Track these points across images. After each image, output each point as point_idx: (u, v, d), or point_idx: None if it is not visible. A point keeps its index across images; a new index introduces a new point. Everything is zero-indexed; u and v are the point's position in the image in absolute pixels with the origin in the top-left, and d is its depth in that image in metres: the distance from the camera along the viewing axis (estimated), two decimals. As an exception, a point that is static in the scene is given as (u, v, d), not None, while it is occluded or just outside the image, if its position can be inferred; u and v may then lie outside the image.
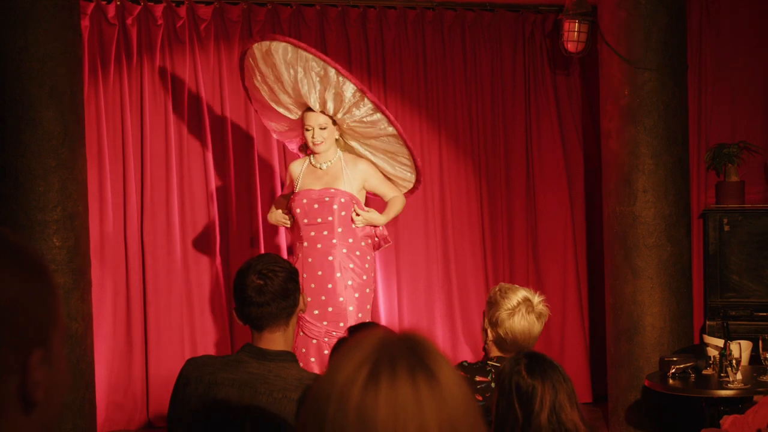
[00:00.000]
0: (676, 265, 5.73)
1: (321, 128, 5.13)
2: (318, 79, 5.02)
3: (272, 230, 6.39)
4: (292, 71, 5.05)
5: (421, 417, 1.06)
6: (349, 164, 5.21)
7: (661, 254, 5.69)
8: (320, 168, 5.23)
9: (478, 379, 3.13)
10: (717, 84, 6.76)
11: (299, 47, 5.03)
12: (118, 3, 6.09)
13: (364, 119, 5.14)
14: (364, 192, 5.32)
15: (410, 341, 1.12)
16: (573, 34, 6.51)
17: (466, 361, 3.27)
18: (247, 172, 6.35)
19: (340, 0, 6.47)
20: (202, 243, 6.30)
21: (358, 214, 5.15)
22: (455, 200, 6.76)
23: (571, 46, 6.56)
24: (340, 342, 2.63)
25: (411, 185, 5.55)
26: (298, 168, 5.33)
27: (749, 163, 6.65)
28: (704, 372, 5.14)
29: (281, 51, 5.04)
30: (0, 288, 1.06)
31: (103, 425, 5.95)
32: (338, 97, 5.05)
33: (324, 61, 5.00)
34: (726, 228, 6.38)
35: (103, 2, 6.07)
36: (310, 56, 5.00)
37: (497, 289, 3.31)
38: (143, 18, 6.14)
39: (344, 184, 5.16)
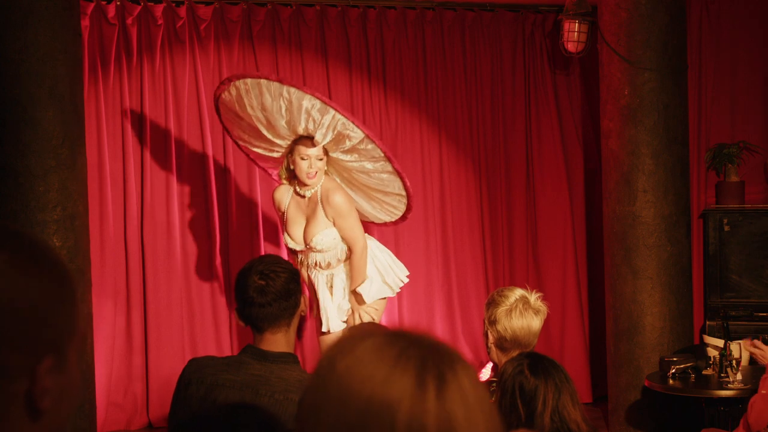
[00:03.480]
0: (676, 265, 5.73)
1: (318, 159, 4.99)
2: (319, 115, 4.90)
3: (272, 230, 6.39)
4: (284, 103, 4.91)
5: (481, 403, 1.09)
6: (324, 198, 5.05)
7: (661, 254, 5.69)
8: (303, 196, 5.09)
9: None
10: (717, 84, 6.77)
11: (302, 90, 4.88)
12: (118, 3, 6.09)
13: (358, 148, 5.03)
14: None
15: (437, 341, 1.13)
16: (573, 34, 6.51)
17: None
18: (247, 171, 6.35)
19: (340, 0, 6.47)
20: (202, 243, 6.30)
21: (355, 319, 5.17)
22: (455, 200, 6.76)
23: (571, 46, 6.56)
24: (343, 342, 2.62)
25: (383, 221, 5.54)
26: (284, 196, 5.18)
27: (749, 163, 6.66)
28: (704, 372, 5.15)
29: (278, 89, 4.89)
30: (19, 291, 1.05)
31: (103, 425, 5.95)
32: (340, 135, 4.94)
33: (325, 102, 4.87)
34: (726, 228, 6.38)
35: (103, 2, 6.07)
36: (309, 96, 4.86)
37: (495, 291, 3.35)
38: (143, 18, 6.14)
39: (323, 219, 5.05)
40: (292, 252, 5.33)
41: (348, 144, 4.98)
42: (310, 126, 4.94)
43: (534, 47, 6.87)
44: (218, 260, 6.31)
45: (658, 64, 5.64)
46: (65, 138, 4.89)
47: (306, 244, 5.09)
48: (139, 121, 6.19)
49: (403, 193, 5.28)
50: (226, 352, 6.19)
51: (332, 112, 4.87)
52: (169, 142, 6.21)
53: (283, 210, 5.19)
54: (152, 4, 6.17)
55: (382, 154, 5.04)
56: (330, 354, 1.13)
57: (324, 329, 5.19)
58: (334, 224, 5.06)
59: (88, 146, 5.40)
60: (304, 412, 1.12)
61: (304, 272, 5.27)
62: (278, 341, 2.62)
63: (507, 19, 6.83)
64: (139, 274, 6.18)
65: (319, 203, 5.04)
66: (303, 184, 5.06)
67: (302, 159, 4.99)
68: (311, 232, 5.05)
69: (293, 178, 5.12)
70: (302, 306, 2.68)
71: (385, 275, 5.27)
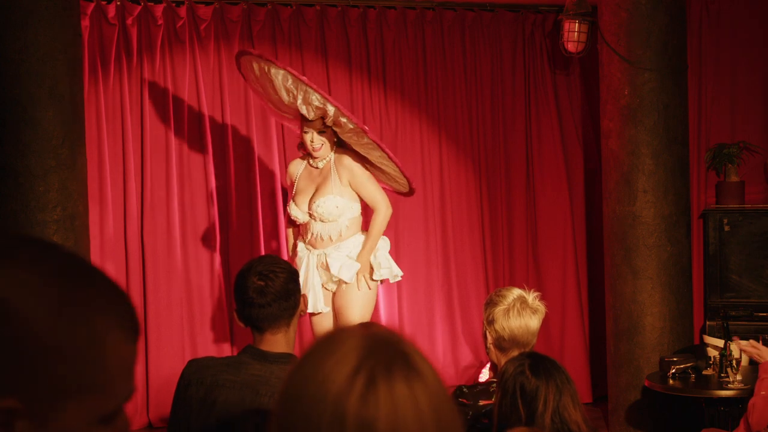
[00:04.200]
0: (676, 265, 5.73)
1: (319, 132, 5.14)
2: (294, 89, 5.06)
3: (272, 230, 6.39)
4: (270, 77, 5.11)
5: (419, 417, 1.06)
6: (337, 162, 5.20)
7: (661, 254, 5.69)
8: (316, 167, 5.25)
9: (482, 403, 3.12)
10: (717, 84, 6.76)
11: (276, 65, 5.06)
12: (118, 3, 6.08)
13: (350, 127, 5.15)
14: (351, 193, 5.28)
15: (394, 342, 1.11)
16: (573, 34, 6.51)
17: (465, 386, 3.23)
18: (247, 171, 6.35)
19: (340, 0, 6.47)
20: (202, 243, 6.30)
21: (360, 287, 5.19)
22: (455, 200, 6.76)
23: (571, 46, 6.56)
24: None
25: (402, 192, 5.64)
26: (297, 167, 5.36)
27: (749, 163, 6.65)
28: (704, 372, 5.15)
29: (264, 64, 5.10)
30: (18, 321, 0.93)
31: (103, 425, 5.95)
32: (319, 110, 5.08)
33: (318, 92, 5.01)
34: (726, 228, 6.38)
35: (103, 2, 6.07)
36: (294, 79, 5.03)
37: (493, 292, 3.36)
38: (143, 18, 6.14)
39: (333, 186, 5.16)
40: (292, 224, 5.40)
41: (329, 118, 5.08)
42: (290, 99, 5.10)
43: (534, 47, 6.87)
44: (218, 260, 6.31)
45: (658, 64, 5.63)
46: (65, 138, 4.89)
47: (309, 210, 5.17)
48: (139, 121, 6.18)
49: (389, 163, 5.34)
50: (226, 352, 6.19)
51: (304, 86, 4.99)
52: (169, 142, 6.21)
53: (293, 180, 5.34)
54: (152, 4, 6.16)
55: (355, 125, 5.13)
56: (303, 350, 1.15)
57: (310, 310, 5.18)
58: (352, 187, 5.18)
59: (88, 146, 5.40)
60: (275, 404, 1.14)
61: (291, 239, 5.41)
62: (278, 342, 2.62)
63: (507, 19, 6.83)
64: (139, 274, 6.18)
65: (332, 169, 5.17)
66: (314, 157, 5.23)
67: (305, 133, 5.17)
68: (316, 198, 5.16)
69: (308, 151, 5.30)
70: (302, 306, 2.68)
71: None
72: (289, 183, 5.45)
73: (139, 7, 6.13)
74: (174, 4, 6.20)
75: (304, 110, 5.07)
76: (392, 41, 6.60)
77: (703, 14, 6.74)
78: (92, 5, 6.01)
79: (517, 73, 6.85)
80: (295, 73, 5.05)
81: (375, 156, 5.27)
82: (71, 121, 4.94)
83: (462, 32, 6.74)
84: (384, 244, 5.36)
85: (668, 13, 5.66)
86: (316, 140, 5.13)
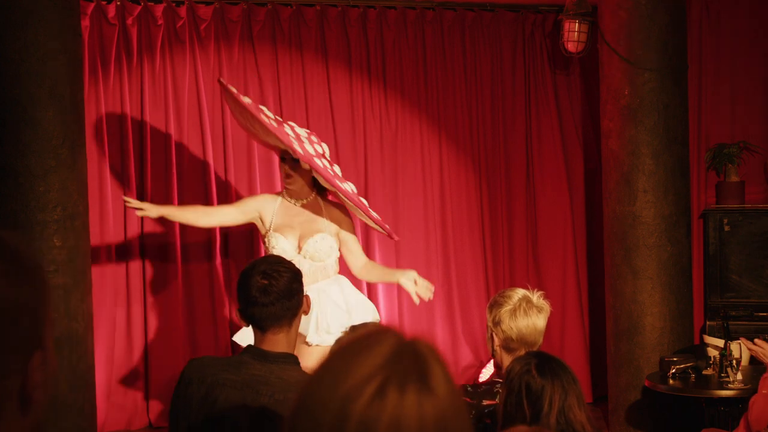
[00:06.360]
0: (676, 265, 5.73)
1: (294, 159, 4.72)
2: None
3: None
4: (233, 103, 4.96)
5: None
6: (328, 205, 4.84)
7: (661, 254, 5.69)
8: (294, 206, 4.83)
9: (485, 402, 3.12)
10: (717, 84, 6.77)
11: (228, 92, 4.86)
12: (118, 3, 6.08)
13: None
14: (338, 240, 4.88)
15: (419, 355, 1.10)
16: (573, 34, 6.51)
17: (469, 385, 3.23)
18: (247, 171, 6.35)
19: (340, 0, 6.47)
20: (202, 243, 6.30)
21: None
22: (455, 200, 6.76)
23: (571, 46, 6.56)
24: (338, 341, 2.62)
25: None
26: (270, 204, 4.87)
27: (749, 163, 6.66)
28: (704, 372, 5.15)
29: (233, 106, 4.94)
30: (7, 292, 1.09)
31: (103, 425, 5.95)
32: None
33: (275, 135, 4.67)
34: (726, 228, 6.39)
35: (103, 2, 6.06)
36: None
37: (497, 294, 3.37)
38: (143, 18, 6.14)
39: (324, 226, 4.78)
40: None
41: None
42: (250, 125, 4.91)
43: (534, 47, 6.87)
44: (218, 260, 6.30)
45: (658, 64, 5.64)
46: (65, 138, 4.88)
47: (299, 248, 4.77)
48: (139, 121, 6.18)
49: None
50: (226, 352, 6.19)
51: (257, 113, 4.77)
52: (169, 142, 6.21)
53: (261, 212, 4.87)
54: (152, 4, 6.16)
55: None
56: (335, 349, 1.16)
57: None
58: (339, 236, 4.83)
59: (88, 146, 5.40)
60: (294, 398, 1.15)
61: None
62: (279, 342, 2.62)
63: (507, 19, 6.83)
64: (139, 274, 6.17)
65: (323, 211, 4.83)
66: (290, 193, 4.84)
67: (281, 159, 4.85)
68: (310, 235, 4.76)
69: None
70: (305, 306, 2.68)
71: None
72: (255, 214, 4.89)
73: (139, 7, 6.13)
74: (174, 4, 6.20)
75: (272, 139, 4.75)
76: (392, 41, 6.60)
77: (703, 14, 6.75)
78: (92, 5, 6.00)
79: (517, 73, 6.85)
80: (243, 102, 4.76)
81: (348, 204, 4.88)
82: (71, 121, 4.93)
83: (462, 32, 6.74)
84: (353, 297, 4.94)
85: (668, 13, 5.66)
86: (289, 168, 4.73)
